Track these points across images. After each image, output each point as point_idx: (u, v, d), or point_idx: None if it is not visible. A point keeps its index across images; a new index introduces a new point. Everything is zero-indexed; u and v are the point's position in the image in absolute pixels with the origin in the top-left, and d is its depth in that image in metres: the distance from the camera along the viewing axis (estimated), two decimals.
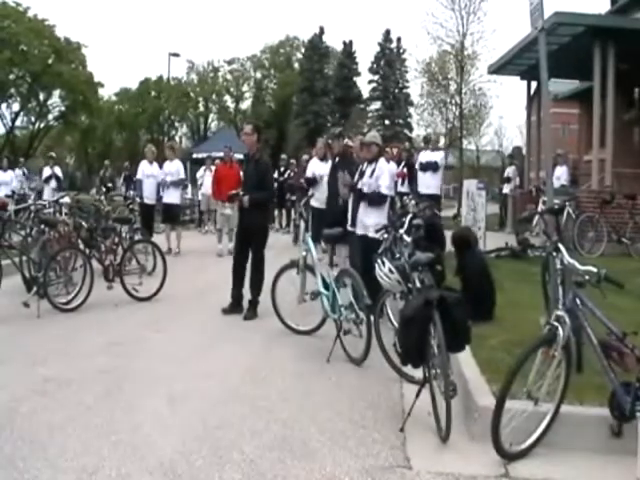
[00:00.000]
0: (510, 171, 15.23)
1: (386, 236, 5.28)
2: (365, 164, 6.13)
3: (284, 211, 15.13)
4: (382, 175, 5.93)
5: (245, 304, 6.27)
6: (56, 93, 40.07)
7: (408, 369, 4.01)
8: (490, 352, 4.23)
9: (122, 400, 3.88)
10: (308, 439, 3.36)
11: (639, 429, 2.93)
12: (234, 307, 6.28)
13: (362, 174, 6.08)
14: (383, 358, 4.47)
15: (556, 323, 3.11)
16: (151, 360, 4.76)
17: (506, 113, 79.46)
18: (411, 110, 43.42)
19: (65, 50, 37.78)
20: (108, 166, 18.84)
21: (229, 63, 53.85)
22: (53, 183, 14.08)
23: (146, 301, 6.78)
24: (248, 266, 6.35)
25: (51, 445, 3.21)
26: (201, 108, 54.26)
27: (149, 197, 10.68)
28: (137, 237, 8.11)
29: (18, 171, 15.19)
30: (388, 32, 48.39)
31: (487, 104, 30.14)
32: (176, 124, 53.35)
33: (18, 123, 41.21)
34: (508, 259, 8.88)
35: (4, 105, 38.39)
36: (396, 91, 47.64)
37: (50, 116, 41.52)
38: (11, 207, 7.97)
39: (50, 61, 36.79)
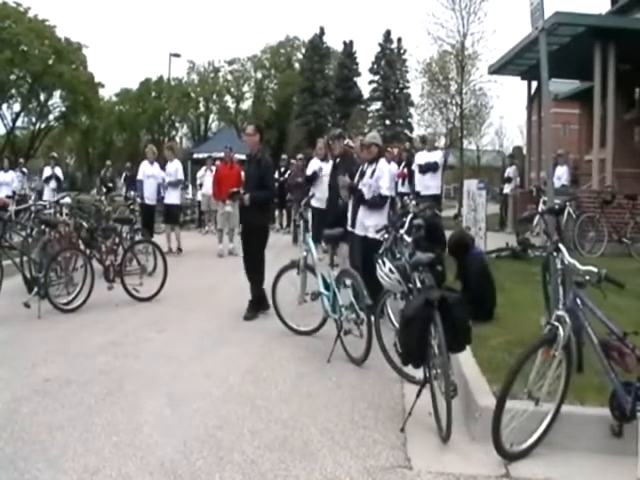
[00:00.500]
0: (510, 171, 15.25)
1: (386, 236, 5.28)
2: (365, 164, 6.13)
3: (284, 211, 15.14)
4: (382, 176, 5.92)
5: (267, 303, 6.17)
6: (57, 93, 40.24)
7: (409, 369, 4.02)
8: (491, 352, 4.23)
9: (123, 400, 3.88)
10: (309, 439, 3.36)
11: (639, 429, 2.93)
12: (254, 307, 6.23)
13: (362, 175, 6.08)
14: (384, 358, 4.47)
15: (557, 323, 3.11)
16: (152, 360, 4.76)
17: (507, 113, 79.59)
18: (412, 110, 43.42)
19: (66, 50, 37.89)
20: (109, 166, 18.87)
21: (230, 63, 53.97)
22: (53, 183, 14.09)
23: (147, 301, 6.79)
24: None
25: (52, 445, 3.21)
26: (202, 108, 54.31)
27: (150, 197, 10.69)
28: (138, 237, 8.11)
29: (17, 172, 15.18)
30: (388, 32, 48.56)
31: (488, 104, 30.06)
32: (177, 124, 53.42)
33: (19, 123, 41.43)
34: (508, 259, 8.89)
35: (5, 105, 38.61)
36: (396, 91, 47.69)
37: (51, 116, 41.71)
38: (12, 207, 7.95)
39: (51, 61, 36.90)
